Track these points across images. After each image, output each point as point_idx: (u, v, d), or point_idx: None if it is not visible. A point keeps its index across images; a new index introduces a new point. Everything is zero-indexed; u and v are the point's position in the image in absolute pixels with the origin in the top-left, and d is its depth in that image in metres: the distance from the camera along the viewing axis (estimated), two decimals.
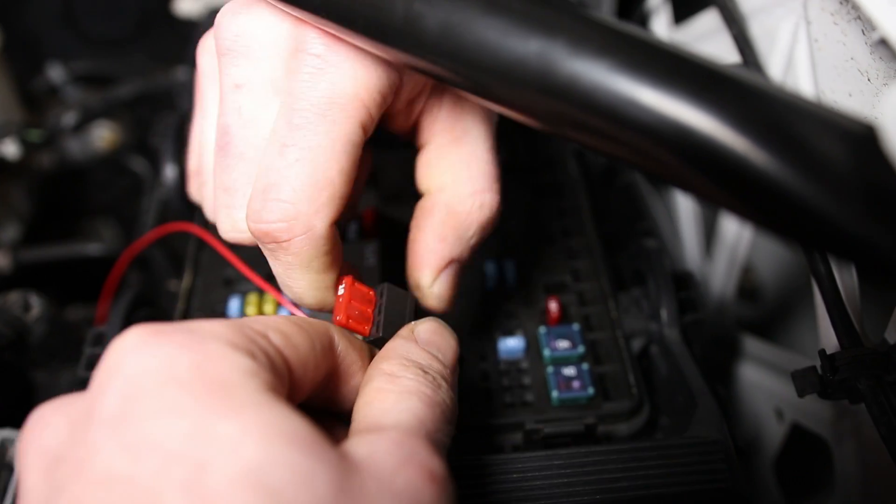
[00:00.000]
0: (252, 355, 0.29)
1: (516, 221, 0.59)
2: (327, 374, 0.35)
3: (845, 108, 0.45)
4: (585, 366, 0.49)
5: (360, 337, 0.40)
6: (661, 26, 0.71)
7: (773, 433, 0.57)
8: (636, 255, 0.56)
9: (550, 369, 0.49)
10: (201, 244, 0.59)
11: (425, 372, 0.35)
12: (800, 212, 0.24)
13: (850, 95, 0.44)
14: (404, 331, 0.39)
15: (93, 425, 0.27)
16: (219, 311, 0.55)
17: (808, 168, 0.23)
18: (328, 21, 0.34)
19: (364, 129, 0.37)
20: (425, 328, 0.39)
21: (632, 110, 0.25)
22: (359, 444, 0.30)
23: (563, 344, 0.51)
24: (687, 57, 0.26)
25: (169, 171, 0.65)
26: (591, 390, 0.48)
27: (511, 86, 0.29)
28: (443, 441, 0.33)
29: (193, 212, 0.65)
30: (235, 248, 0.59)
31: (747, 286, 0.78)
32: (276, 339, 0.31)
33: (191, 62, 0.73)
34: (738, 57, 0.53)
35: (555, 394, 0.48)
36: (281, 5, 0.36)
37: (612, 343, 0.52)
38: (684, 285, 0.53)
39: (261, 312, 0.54)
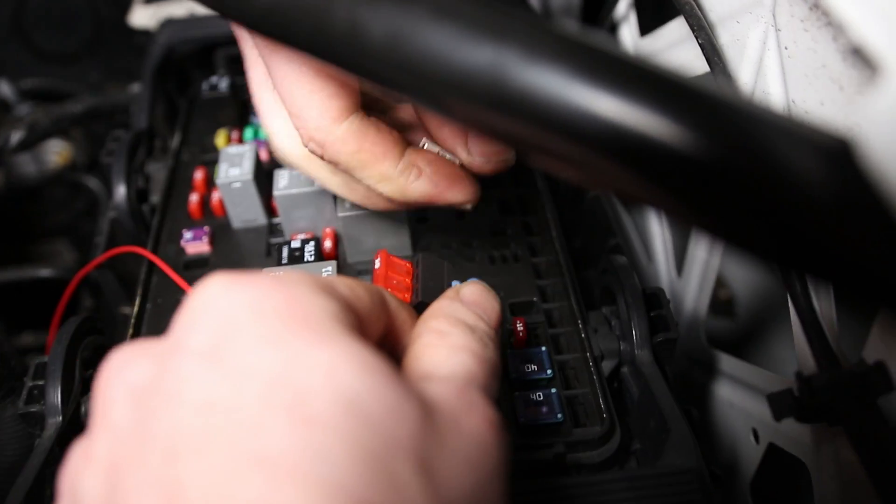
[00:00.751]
0: (334, 299, 0.30)
1: (481, 239, 0.57)
2: (385, 330, 0.35)
3: (818, 118, 0.44)
4: (554, 390, 0.47)
5: None
6: (628, 36, 0.69)
7: (750, 454, 0.55)
8: (605, 272, 0.54)
9: (517, 394, 0.47)
10: (152, 267, 0.56)
11: (472, 330, 0.36)
12: (773, 232, 0.22)
13: (823, 104, 0.42)
14: (450, 292, 0.39)
15: (184, 358, 0.27)
16: None
17: (780, 187, 0.21)
18: (267, 36, 0.31)
19: None
20: (470, 290, 0.39)
21: (586, 124, 0.23)
22: (426, 388, 0.30)
23: (532, 368, 0.49)
24: (649, 68, 0.24)
25: (120, 191, 0.62)
26: (559, 416, 0.46)
27: (466, 99, 0.27)
28: (493, 395, 0.34)
29: (147, 232, 0.62)
30: (186, 271, 0.57)
31: (721, 299, 0.77)
32: (344, 290, 0.32)
33: (145, 76, 0.70)
34: (706, 66, 0.51)
35: (521, 420, 0.46)
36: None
37: (582, 365, 0.50)
38: (655, 303, 0.51)
39: None
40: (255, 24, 0.31)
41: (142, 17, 0.81)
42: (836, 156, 0.21)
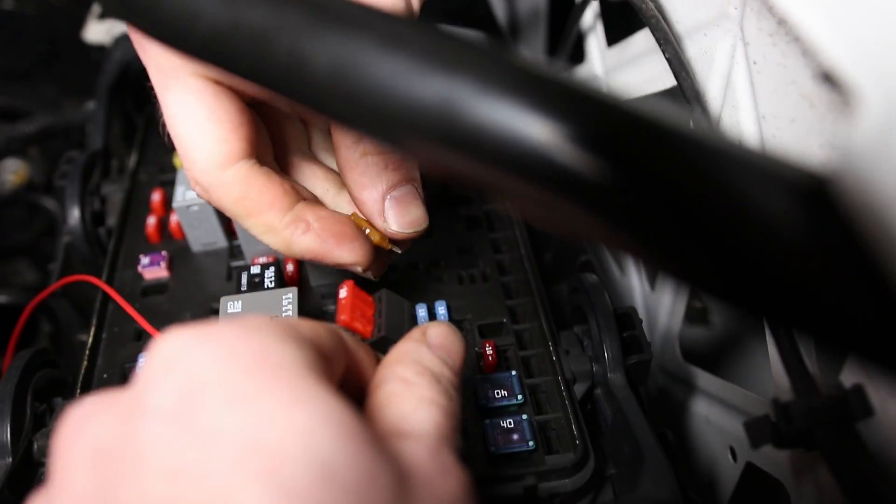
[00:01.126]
0: (302, 345, 0.29)
1: (447, 258, 0.56)
2: (344, 370, 0.34)
3: (789, 136, 0.43)
4: (525, 416, 0.46)
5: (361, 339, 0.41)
6: (595, 46, 0.68)
7: (728, 472, 0.54)
8: (576, 290, 0.53)
9: (487, 421, 0.46)
10: (108, 295, 0.54)
11: (438, 380, 0.34)
12: (742, 279, 0.20)
13: (793, 121, 0.41)
14: (416, 333, 0.38)
15: (149, 419, 0.26)
16: (128, 370, 0.50)
17: (752, 231, 0.20)
18: (210, 63, 0.30)
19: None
20: (436, 332, 0.38)
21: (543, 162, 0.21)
22: (400, 448, 0.29)
23: (501, 393, 0.47)
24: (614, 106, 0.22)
25: (74, 215, 0.60)
26: (531, 443, 0.45)
27: (416, 136, 0.25)
28: (460, 451, 0.33)
29: (104, 257, 0.60)
30: (144, 298, 0.55)
31: (695, 308, 0.75)
32: (309, 332, 0.31)
33: (99, 94, 0.68)
34: (672, 80, 0.50)
35: (492, 449, 0.44)
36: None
37: (553, 389, 0.48)
38: (628, 324, 0.50)
39: None
40: (197, 52, 0.29)
41: (96, 33, 0.78)
42: (813, 195, 0.20)
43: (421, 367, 0.35)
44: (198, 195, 0.42)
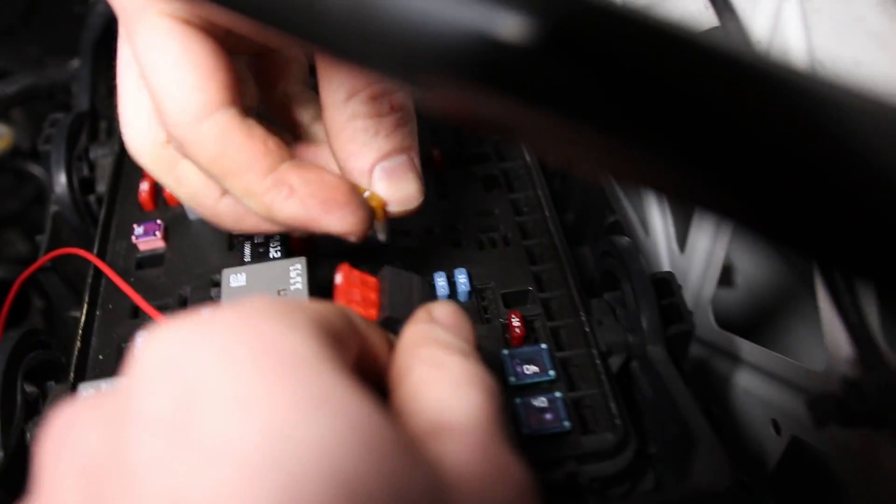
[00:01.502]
0: (313, 330, 0.25)
1: (465, 223, 0.52)
2: (357, 356, 0.30)
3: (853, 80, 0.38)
4: (558, 393, 0.42)
5: None
6: None
7: (770, 446, 0.51)
8: (606, 255, 0.49)
9: (518, 400, 0.42)
10: (99, 270, 0.50)
11: (468, 358, 0.31)
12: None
13: (859, 65, 0.37)
14: (422, 313, 0.35)
15: (142, 429, 0.22)
16: (125, 350, 0.47)
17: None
18: None
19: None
20: (444, 311, 0.35)
21: None
22: (441, 453, 0.25)
23: (531, 369, 0.43)
24: None
25: (60, 182, 0.55)
26: (567, 423, 0.41)
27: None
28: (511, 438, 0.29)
29: (94, 227, 0.56)
30: (140, 270, 0.51)
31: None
32: (316, 315, 0.27)
33: (84, 51, 0.63)
34: (714, 18, 0.46)
35: (525, 430, 0.41)
36: None
37: (587, 363, 0.44)
38: (666, 290, 0.46)
39: None
40: None
41: None
42: None
43: (446, 343, 0.32)
44: (175, 150, 0.38)
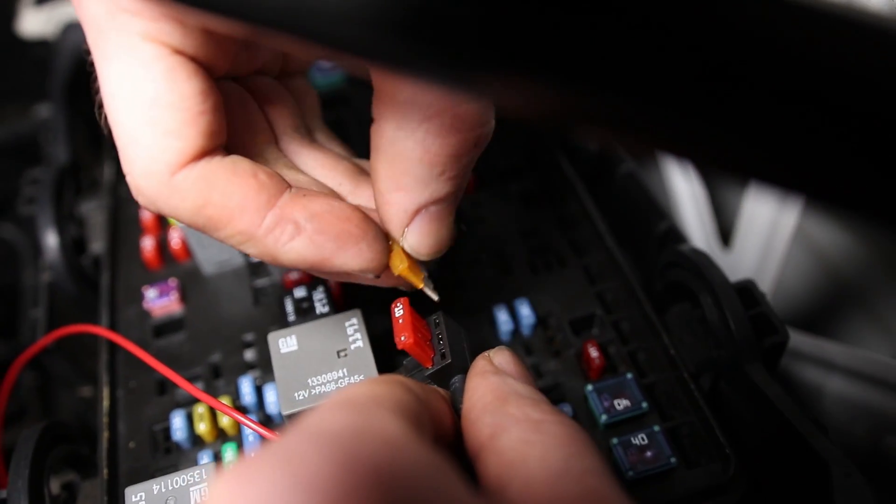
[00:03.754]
0: (402, 424, 0.24)
1: (512, 246, 0.47)
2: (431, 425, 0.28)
3: None
4: (656, 427, 0.38)
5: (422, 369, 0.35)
6: None
7: (864, 454, 0.47)
8: (673, 265, 0.45)
9: (615, 441, 0.38)
10: (114, 345, 0.44)
11: (556, 412, 0.29)
12: None
13: None
14: (484, 364, 0.32)
15: None
16: (159, 435, 0.41)
17: None
18: None
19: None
20: (506, 358, 0.32)
21: None
22: None
23: (622, 403, 0.39)
24: None
25: (51, 247, 0.49)
26: (673, 460, 0.37)
27: None
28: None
29: (93, 292, 0.50)
30: (158, 339, 0.45)
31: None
32: (391, 403, 0.25)
33: (55, 97, 0.57)
34: None
35: (630, 475, 0.37)
36: None
37: (675, 387, 0.41)
38: (749, 300, 0.42)
39: (216, 428, 0.40)
40: None
41: (34, 24, 0.66)
42: None
43: (533, 400, 0.29)
44: (141, 205, 0.32)
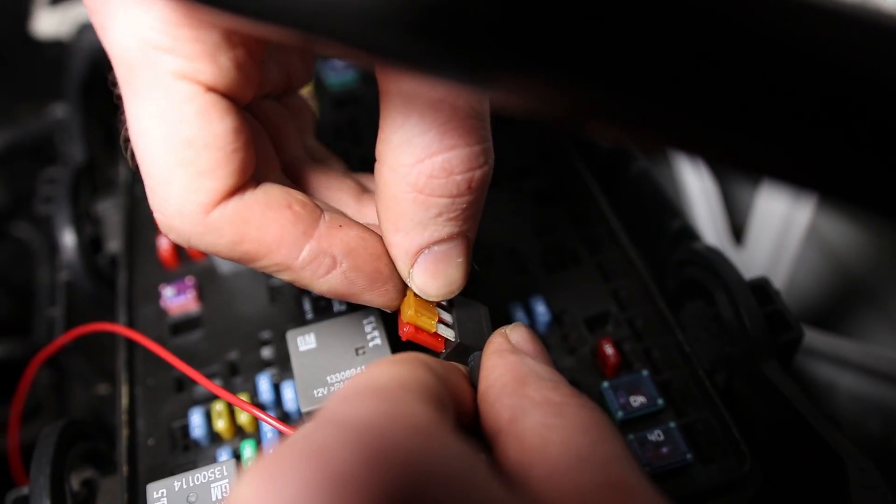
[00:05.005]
0: (429, 410, 0.24)
1: (526, 244, 0.48)
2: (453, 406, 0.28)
3: None
4: (672, 423, 0.39)
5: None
6: None
7: (877, 450, 0.47)
8: (687, 263, 0.45)
9: (631, 437, 0.38)
10: (132, 343, 0.44)
11: (578, 394, 0.29)
12: None
13: None
14: (501, 341, 0.32)
15: None
16: (178, 432, 0.42)
17: None
18: None
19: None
20: (523, 336, 0.32)
21: None
22: None
23: (638, 399, 0.40)
24: None
25: (69, 247, 0.50)
26: (689, 456, 0.37)
27: None
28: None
29: (110, 290, 0.51)
30: (175, 336, 0.46)
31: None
32: (417, 386, 0.26)
33: (70, 97, 0.58)
34: None
35: (646, 470, 0.37)
36: None
37: (690, 384, 0.41)
38: (764, 298, 0.42)
39: (234, 425, 0.41)
40: None
41: (48, 24, 0.67)
42: None
43: (553, 383, 0.29)
44: (171, 241, 0.32)
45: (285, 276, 0.32)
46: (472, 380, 0.33)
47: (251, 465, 0.23)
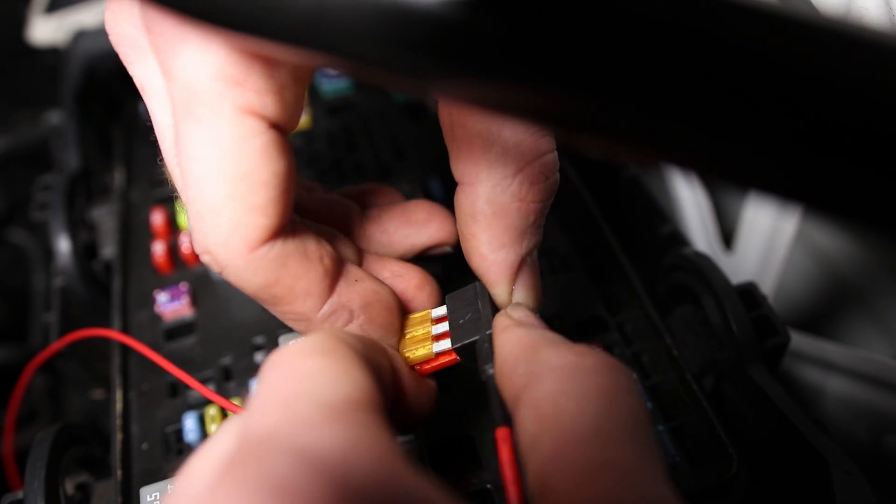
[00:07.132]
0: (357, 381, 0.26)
1: None
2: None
3: None
4: (660, 427, 0.39)
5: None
6: None
7: (864, 454, 0.48)
8: (676, 268, 0.46)
9: None
10: (126, 349, 0.45)
11: (588, 351, 0.28)
12: None
13: None
14: (505, 321, 0.32)
15: None
16: (171, 437, 0.42)
17: None
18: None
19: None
20: (524, 312, 0.32)
21: None
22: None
23: None
24: None
25: (64, 253, 0.50)
26: (677, 458, 0.38)
27: None
28: None
29: (104, 296, 0.51)
30: (170, 342, 0.46)
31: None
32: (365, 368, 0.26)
33: (65, 104, 0.58)
34: None
35: None
36: None
37: (678, 388, 0.41)
38: (751, 302, 0.43)
39: None
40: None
41: (45, 31, 0.67)
42: None
43: (566, 343, 0.29)
44: (206, 263, 0.31)
45: (300, 326, 0.32)
46: (482, 364, 0.32)
47: (203, 470, 0.23)
